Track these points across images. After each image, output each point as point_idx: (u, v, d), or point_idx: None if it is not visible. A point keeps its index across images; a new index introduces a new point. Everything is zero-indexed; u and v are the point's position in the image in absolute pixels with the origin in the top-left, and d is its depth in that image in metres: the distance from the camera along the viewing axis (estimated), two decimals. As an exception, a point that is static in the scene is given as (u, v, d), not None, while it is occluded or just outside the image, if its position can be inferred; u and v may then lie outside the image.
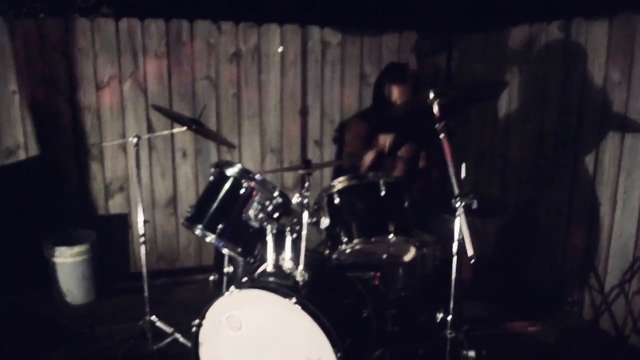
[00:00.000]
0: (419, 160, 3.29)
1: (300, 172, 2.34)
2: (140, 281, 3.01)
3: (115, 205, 3.98)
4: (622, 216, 3.13)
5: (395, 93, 3.17)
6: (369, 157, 3.17)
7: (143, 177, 3.92)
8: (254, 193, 2.47)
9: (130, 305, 3.52)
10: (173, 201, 4.08)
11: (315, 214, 2.42)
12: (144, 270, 2.98)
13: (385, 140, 3.16)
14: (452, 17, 4.17)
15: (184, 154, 4.03)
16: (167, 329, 3.02)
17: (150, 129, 3.88)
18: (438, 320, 2.20)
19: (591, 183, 3.30)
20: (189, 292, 3.86)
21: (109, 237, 3.96)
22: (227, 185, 2.51)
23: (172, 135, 3.96)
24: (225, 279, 2.83)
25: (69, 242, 3.58)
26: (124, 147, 3.90)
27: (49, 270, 3.59)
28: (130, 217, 4.01)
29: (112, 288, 3.83)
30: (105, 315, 3.49)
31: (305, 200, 2.26)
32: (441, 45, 4.38)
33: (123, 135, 3.84)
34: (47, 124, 3.73)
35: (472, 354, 2.50)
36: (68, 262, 3.56)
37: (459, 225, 2.06)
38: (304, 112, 4.19)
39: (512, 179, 3.97)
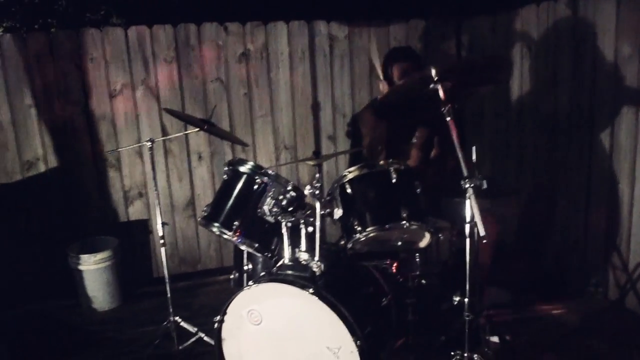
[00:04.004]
0: (433, 146, 3.27)
1: (311, 163, 2.36)
2: (163, 285, 3.05)
3: (135, 212, 4.04)
4: (642, 192, 3.09)
5: (397, 73, 3.13)
6: (414, 156, 3.16)
7: (160, 181, 3.97)
8: (268, 188, 2.49)
9: (155, 308, 3.59)
10: (191, 204, 4.12)
11: (328, 204, 2.43)
12: (166, 272, 3.03)
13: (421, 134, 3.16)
14: (458, 1, 4.15)
15: (200, 157, 4.07)
16: (192, 329, 3.08)
17: (164, 133, 3.92)
18: (455, 303, 2.19)
19: (608, 160, 3.26)
20: (211, 293, 3.90)
21: (130, 243, 4.01)
22: (240, 182, 2.53)
23: (187, 138, 4.00)
24: (245, 276, 2.86)
25: (92, 250, 3.65)
26: (140, 154, 3.95)
27: (73, 278, 3.66)
28: (151, 222, 4.07)
29: (136, 293, 3.90)
30: (131, 320, 3.55)
31: (317, 192, 2.28)
32: (449, 31, 4.35)
33: (138, 142, 3.89)
34: (64, 135, 3.81)
35: (495, 339, 2.49)
36: (92, 269, 3.62)
37: (470, 206, 2.06)
38: (315, 108, 4.21)
39: (528, 162, 3.93)
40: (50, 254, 3.81)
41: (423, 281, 2.80)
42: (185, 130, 3.80)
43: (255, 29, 3.99)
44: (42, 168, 3.80)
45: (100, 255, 3.62)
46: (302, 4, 4.01)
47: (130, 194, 4.00)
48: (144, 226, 4.08)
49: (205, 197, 4.12)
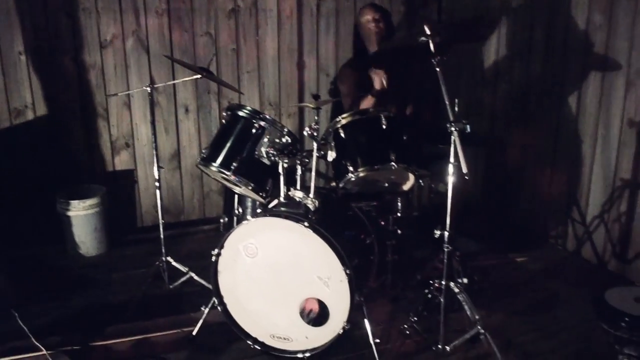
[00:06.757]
0: (407, 106, 3.46)
1: (311, 106, 2.52)
2: (149, 233, 3.21)
3: (122, 162, 4.11)
4: (602, 152, 3.36)
5: (367, 16, 3.33)
6: (368, 102, 3.30)
7: (147, 132, 4.07)
8: (265, 132, 2.64)
9: (141, 254, 3.74)
10: (177, 156, 4.22)
11: (322, 148, 2.60)
12: (160, 214, 3.18)
13: (379, 77, 3.30)
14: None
15: (187, 110, 4.16)
16: (183, 269, 3.22)
17: (153, 85, 3.98)
18: (436, 235, 2.41)
19: (574, 122, 3.52)
20: (196, 241, 4.04)
21: (116, 192, 4.08)
22: (239, 126, 2.67)
23: (175, 92, 4.09)
24: (235, 220, 3.03)
25: (80, 198, 3.72)
26: (128, 105, 4.03)
27: (62, 224, 3.74)
28: (136, 172, 4.16)
29: (122, 240, 4.00)
30: (120, 263, 3.67)
31: (315, 133, 2.45)
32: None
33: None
34: (54, 83, 3.84)
35: (465, 280, 2.73)
36: (81, 214, 3.71)
37: (454, 147, 2.27)
38: (300, 66, 4.34)
39: (500, 121, 4.17)
40: (37, 201, 3.87)
41: (399, 231, 3.03)
42: (174, 82, 3.90)
43: (245, -16, 4.08)
44: (30, 116, 3.83)
45: (89, 202, 3.71)
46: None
47: (117, 144, 4.07)
48: (130, 176, 4.16)
49: (190, 150, 4.23)
